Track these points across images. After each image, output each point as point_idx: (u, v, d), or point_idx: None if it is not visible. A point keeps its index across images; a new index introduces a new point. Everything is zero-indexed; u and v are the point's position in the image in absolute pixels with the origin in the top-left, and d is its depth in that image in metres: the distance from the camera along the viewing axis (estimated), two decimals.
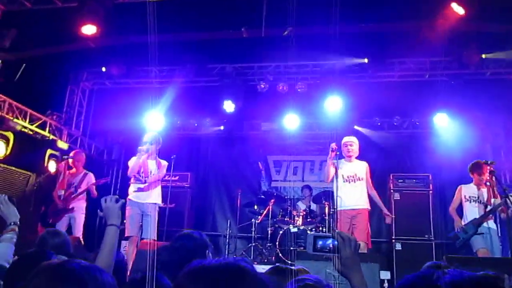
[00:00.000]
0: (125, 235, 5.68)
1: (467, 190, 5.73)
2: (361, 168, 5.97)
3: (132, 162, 5.98)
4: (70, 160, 7.00)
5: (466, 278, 0.77)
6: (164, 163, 6.18)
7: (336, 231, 1.68)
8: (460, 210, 5.83)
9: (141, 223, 5.72)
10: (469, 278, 0.77)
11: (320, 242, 1.70)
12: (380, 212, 8.74)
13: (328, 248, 1.68)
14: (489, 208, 5.30)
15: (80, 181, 6.88)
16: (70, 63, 8.94)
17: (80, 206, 6.75)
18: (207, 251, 2.59)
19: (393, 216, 7.32)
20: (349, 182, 5.84)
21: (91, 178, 6.95)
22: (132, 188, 5.96)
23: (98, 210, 2.42)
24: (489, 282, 0.76)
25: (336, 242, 1.66)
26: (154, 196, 5.92)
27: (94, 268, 1.29)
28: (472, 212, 5.57)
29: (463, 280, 0.77)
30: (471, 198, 5.63)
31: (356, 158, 6.09)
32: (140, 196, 5.80)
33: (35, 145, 7.94)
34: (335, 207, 5.92)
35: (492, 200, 5.24)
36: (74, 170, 7.02)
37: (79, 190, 6.77)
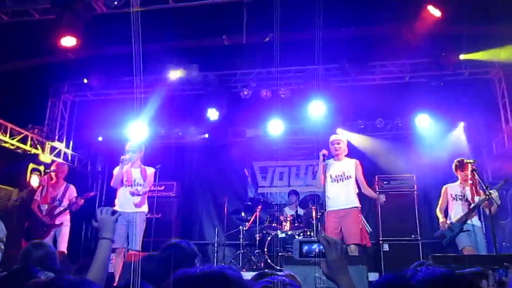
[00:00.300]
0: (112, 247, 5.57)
1: (453, 189, 5.78)
2: (350, 166, 5.76)
3: (116, 172, 5.93)
4: (53, 174, 6.88)
5: (438, 275, 0.79)
6: (150, 170, 6.04)
7: (321, 235, 1.68)
8: (445, 210, 5.89)
9: (127, 233, 5.64)
10: (440, 274, 0.78)
11: (306, 247, 1.70)
12: (368, 212, 8.87)
13: (314, 252, 1.67)
14: (472, 205, 5.37)
15: (62, 194, 6.73)
16: (50, 76, 8.85)
17: (64, 219, 6.64)
18: (196, 260, 2.58)
19: (379, 217, 7.41)
20: (337, 182, 5.66)
21: (73, 191, 6.81)
22: (118, 198, 5.89)
23: (93, 220, 2.38)
24: (459, 278, 0.78)
25: (321, 247, 1.65)
26: (134, 205, 5.81)
27: (84, 282, 1.28)
28: (457, 210, 5.63)
29: (434, 277, 0.78)
30: (457, 197, 5.68)
31: (346, 156, 5.91)
32: (124, 205, 5.73)
33: (16, 160, 7.83)
34: (324, 208, 5.74)
35: (476, 198, 5.32)
36: (54, 181, 6.84)
37: (63, 205, 6.62)
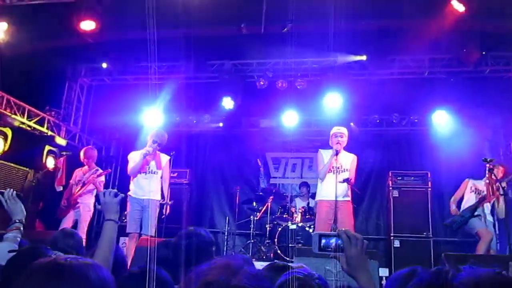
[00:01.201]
0: (126, 231, 5.67)
1: (476, 184, 5.80)
2: (348, 160, 5.78)
3: (133, 157, 5.92)
4: (82, 156, 6.88)
5: (483, 274, 0.76)
6: (165, 158, 6.08)
7: (342, 229, 1.64)
8: (460, 203, 5.83)
9: (141, 219, 5.69)
10: (485, 274, 0.76)
11: (324, 241, 1.67)
12: (379, 208, 8.83)
13: (332, 247, 1.65)
14: (482, 194, 5.39)
15: (89, 177, 6.71)
16: (68, 59, 8.91)
17: (86, 203, 6.61)
18: (213, 248, 2.58)
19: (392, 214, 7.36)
20: (333, 173, 5.64)
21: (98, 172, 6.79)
22: (132, 184, 5.93)
23: (96, 203, 2.40)
24: (504, 279, 0.75)
25: (340, 241, 1.63)
26: (154, 192, 5.87)
27: (93, 265, 1.28)
28: (470, 201, 5.67)
29: (478, 277, 0.76)
30: (476, 191, 5.70)
31: (345, 149, 5.90)
32: (139, 191, 5.77)
33: (33, 141, 7.93)
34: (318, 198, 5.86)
35: (492, 197, 5.26)
36: (86, 167, 6.87)
37: (85, 185, 6.65)
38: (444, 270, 0.83)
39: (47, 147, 7.35)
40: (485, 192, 5.42)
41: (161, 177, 6.00)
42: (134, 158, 5.93)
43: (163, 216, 5.97)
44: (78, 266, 1.24)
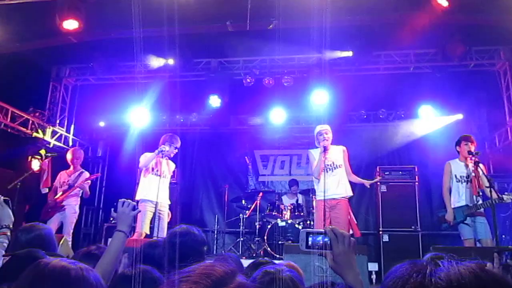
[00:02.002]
0: (135, 230, 5.73)
1: (456, 168, 5.60)
2: (339, 154, 5.73)
3: (147, 156, 5.95)
4: (69, 157, 6.80)
5: (463, 271, 0.73)
6: (173, 166, 6.30)
7: (329, 227, 1.63)
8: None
9: (151, 220, 5.75)
10: (467, 271, 0.73)
11: (311, 239, 1.66)
12: (368, 203, 8.87)
13: (319, 244, 1.64)
14: (478, 200, 5.29)
15: (75, 179, 6.64)
16: (52, 59, 8.81)
17: (71, 205, 6.54)
18: (204, 247, 2.56)
19: (380, 208, 7.40)
20: (327, 171, 5.58)
21: (86, 176, 6.73)
22: (146, 186, 5.95)
23: (112, 210, 2.37)
24: (489, 275, 0.72)
25: (326, 239, 1.62)
26: (166, 196, 6.05)
27: (87, 269, 1.27)
28: (460, 193, 5.47)
29: (459, 275, 0.72)
30: (462, 178, 5.50)
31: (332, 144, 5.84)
32: (150, 194, 5.81)
33: (17, 143, 7.81)
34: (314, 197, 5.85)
35: (478, 190, 5.26)
36: (71, 169, 6.79)
37: (71, 188, 6.56)
38: (421, 264, 0.80)
39: (32, 149, 7.22)
40: (471, 173, 5.34)
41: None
42: (146, 156, 5.98)
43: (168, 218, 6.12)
44: (79, 271, 1.23)
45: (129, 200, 2.39)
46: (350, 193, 5.65)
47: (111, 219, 8.11)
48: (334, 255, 1.57)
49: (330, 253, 1.58)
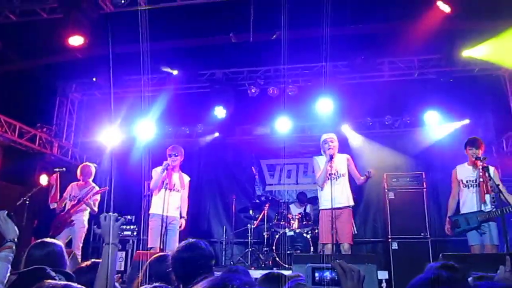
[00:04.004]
0: (148, 246, 5.75)
1: (463, 173, 5.51)
2: (343, 163, 5.74)
3: (155, 174, 5.97)
4: (78, 173, 6.83)
5: None
6: (187, 179, 6.29)
7: (336, 261, 1.58)
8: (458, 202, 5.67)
9: (162, 235, 5.72)
10: None
11: (317, 274, 1.62)
12: (376, 211, 8.81)
13: (327, 280, 1.59)
14: (487, 208, 5.21)
15: (85, 194, 6.63)
16: (58, 75, 8.89)
17: (80, 219, 6.54)
18: (212, 261, 2.56)
19: (388, 214, 7.34)
20: (331, 180, 5.59)
21: (95, 191, 6.72)
22: (155, 200, 5.97)
23: (95, 227, 2.38)
24: None
25: (335, 274, 1.57)
26: (177, 209, 6.04)
27: None
28: (469, 200, 5.38)
29: None
30: (468, 183, 5.42)
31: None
32: (162, 208, 5.76)
33: (25, 159, 7.87)
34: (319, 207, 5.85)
35: (486, 196, 5.21)
36: (81, 182, 6.82)
37: (79, 203, 6.55)
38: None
39: (40, 164, 7.28)
40: (479, 181, 5.28)
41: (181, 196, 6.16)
42: (156, 171, 6.01)
43: (180, 229, 6.10)
44: None
45: (110, 213, 2.39)
46: (352, 203, 5.71)
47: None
48: None
49: None
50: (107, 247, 2.28)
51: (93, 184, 6.83)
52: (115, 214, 2.38)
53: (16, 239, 2.65)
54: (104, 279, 2.12)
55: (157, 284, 1.81)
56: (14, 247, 2.60)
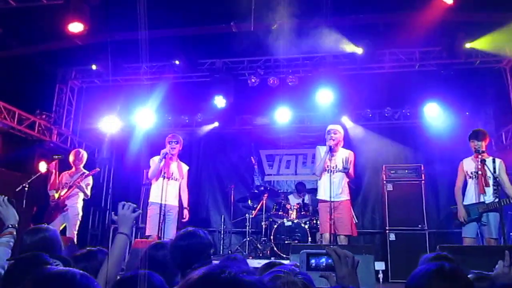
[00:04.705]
0: (145, 234, 5.82)
1: (468, 165, 5.55)
2: (344, 158, 5.75)
3: (153, 163, 6.00)
4: (71, 158, 6.80)
5: None
6: (186, 168, 6.31)
7: (330, 247, 1.59)
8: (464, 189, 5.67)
9: (160, 223, 5.75)
10: None
11: (313, 260, 1.62)
12: (375, 202, 8.84)
13: (322, 266, 1.60)
14: (487, 199, 5.23)
15: (75, 180, 6.59)
16: (58, 62, 8.85)
17: (74, 206, 6.53)
18: (211, 250, 2.57)
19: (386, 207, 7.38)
20: (329, 173, 5.62)
21: (88, 177, 6.70)
22: (154, 189, 6.01)
23: (112, 213, 2.38)
24: None
25: (330, 260, 1.57)
26: (175, 198, 6.05)
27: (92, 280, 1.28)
28: (471, 190, 5.43)
29: None
30: (472, 174, 5.46)
31: (342, 147, 5.91)
32: (161, 197, 5.78)
33: (24, 146, 7.87)
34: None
35: (486, 189, 5.22)
36: (73, 169, 6.79)
37: (71, 188, 6.53)
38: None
39: (39, 151, 7.27)
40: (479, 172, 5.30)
41: (180, 185, 6.17)
42: (154, 161, 6.03)
43: (184, 220, 6.10)
44: (82, 278, 1.24)
45: (129, 203, 2.39)
46: (348, 197, 5.73)
47: (112, 223, 8.14)
48: (338, 278, 1.53)
49: (333, 276, 1.55)
50: (119, 235, 2.29)
51: (84, 170, 6.79)
52: (134, 204, 2.38)
53: (16, 225, 2.66)
54: (111, 267, 2.12)
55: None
56: (14, 233, 2.62)
